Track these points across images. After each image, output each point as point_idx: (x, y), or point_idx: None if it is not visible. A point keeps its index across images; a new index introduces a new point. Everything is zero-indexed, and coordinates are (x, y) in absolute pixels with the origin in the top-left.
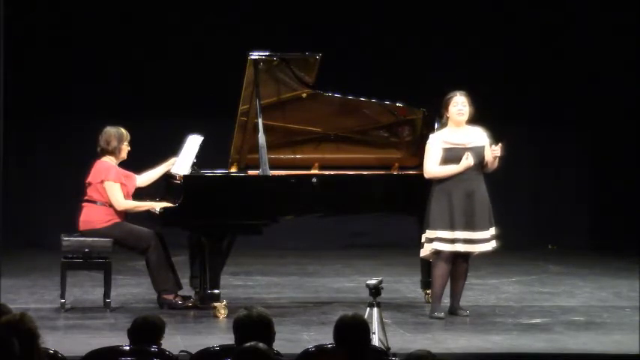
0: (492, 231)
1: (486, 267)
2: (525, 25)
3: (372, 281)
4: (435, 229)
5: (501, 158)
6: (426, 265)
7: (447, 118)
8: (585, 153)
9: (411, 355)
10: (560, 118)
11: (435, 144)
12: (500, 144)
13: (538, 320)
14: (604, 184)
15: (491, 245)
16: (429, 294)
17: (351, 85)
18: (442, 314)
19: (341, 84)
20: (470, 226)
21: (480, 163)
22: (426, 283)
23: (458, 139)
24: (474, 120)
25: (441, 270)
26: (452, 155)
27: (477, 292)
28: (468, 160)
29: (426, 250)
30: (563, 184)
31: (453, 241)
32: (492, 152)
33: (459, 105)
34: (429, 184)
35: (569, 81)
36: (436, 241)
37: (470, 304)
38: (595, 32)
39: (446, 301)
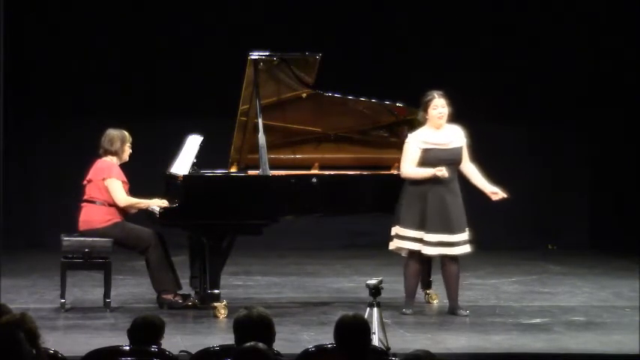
0: (467, 235)
1: (486, 267)
2: (525, 25)
3: (372, 281)
4: (405, 227)
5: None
6: (427, 265)
7: (426, 119)
8: (585, 153)
9: (411, 355)
10: (560, 117)
11: (414, 144)
12: (501, 194)
13: (538, 320)
14: (604, 184)
15: (468, 249)
16: (429, 294)
17: (351, 85)
18: (410, 311)
19: (341, 84)
20: (446, 229)
21: (457, 164)
22: (427, 283)
23: (437, 140)
24: (474, 117)
25: (411, 269)
26: (431, 156)
27: (477, 292)
28: (441, 173)
29: (394, 245)
30: (563, 184)
31: (421, 241)
32: (492, 195)
33: (439, 108)
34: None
35: (569, 81)
36: (405, 239)
37: (470, 304)
38: (595, 32)
39: (445, 301)
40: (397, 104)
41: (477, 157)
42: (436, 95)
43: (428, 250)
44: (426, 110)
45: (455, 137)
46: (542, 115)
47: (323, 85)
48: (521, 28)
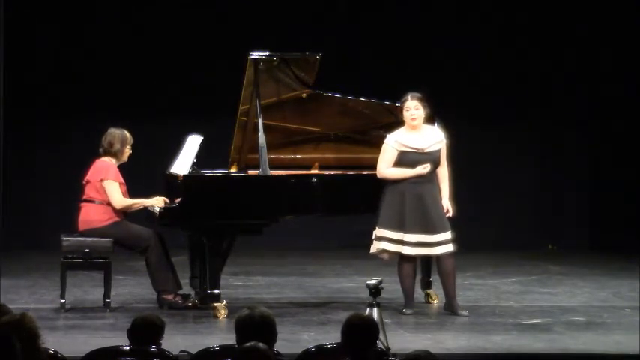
0: (449, 234)
1: (486, 267)
2: (524, 24)
3: (372, 281)
4: (384, 228)
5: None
6: (426, 265)
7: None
8: (585, 153)
9: (411, 355)
10: (560, 117)
11: (391, 145)
12: (450, 213)
13: (538, 320)
14: (604, 184)
15: (450, 248)
16: (429, 294)
17: (351, 85)
18: (410, 311)
19: (341, 84)
20: (425, 229)
21: (435, 167)
22: (426, 283)
23: (415, 144)
24: (474, 117)
25: (404, 270)
26: (407, 159)
27: (477, 292)
28: (424, 170)
29: (374, 248)
30: (563, 184)
31: (401, 242)
32: (446, 210)
33: (412, 110)
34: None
35: (568, 81)
36: (384, 240)
37: (470, 304)
38: (594, 31)
39: (443, 299)
40: (397, 104)
41: (478, 158)
42: (409, 97)
43: (408, 251)
44: (401, 112)
45: (433, 140)
46: (542, 115)
47: (323, 85)
48: (521, 27)
